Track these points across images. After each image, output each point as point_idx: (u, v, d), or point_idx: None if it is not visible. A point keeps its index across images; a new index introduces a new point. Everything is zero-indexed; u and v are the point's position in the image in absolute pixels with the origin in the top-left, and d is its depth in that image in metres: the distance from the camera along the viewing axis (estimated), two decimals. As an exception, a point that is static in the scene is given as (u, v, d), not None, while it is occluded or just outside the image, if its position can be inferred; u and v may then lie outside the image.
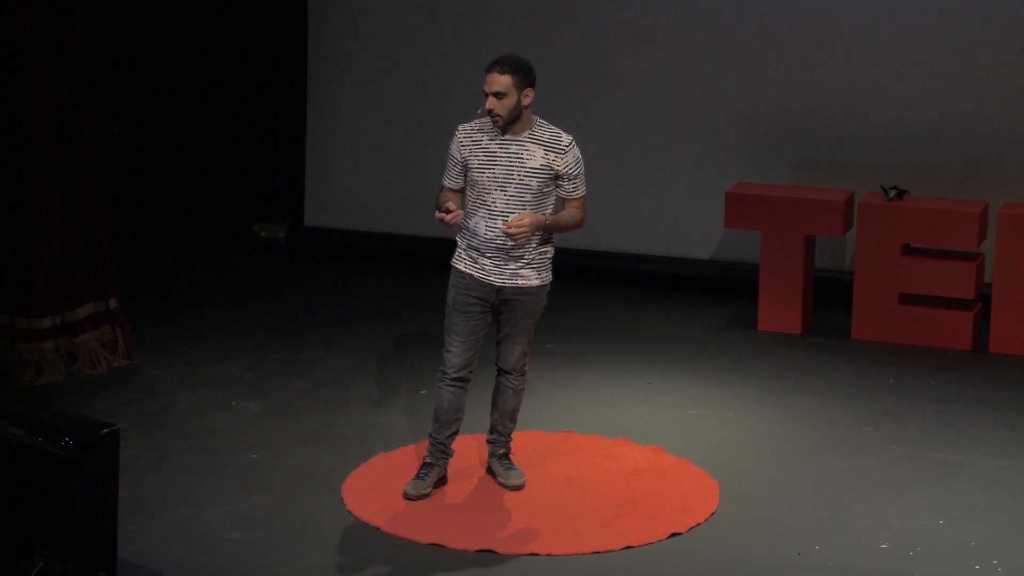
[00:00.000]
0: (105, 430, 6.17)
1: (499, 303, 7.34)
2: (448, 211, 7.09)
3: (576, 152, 7.31)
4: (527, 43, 11.06)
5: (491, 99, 7.14)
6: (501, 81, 7.13)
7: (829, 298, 10.35)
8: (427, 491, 7.47)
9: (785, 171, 10.73)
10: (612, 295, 10.76)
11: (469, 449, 7.96)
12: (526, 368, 7.58)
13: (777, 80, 10.70)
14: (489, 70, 7.17)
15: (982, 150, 10.36)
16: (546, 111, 11.20)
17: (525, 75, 7.18)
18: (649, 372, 9.26)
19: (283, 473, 7.77)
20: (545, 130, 7.28)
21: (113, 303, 9.22)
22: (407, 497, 7.44)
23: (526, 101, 7.20)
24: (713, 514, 7.35)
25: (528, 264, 7.29)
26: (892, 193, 9.86)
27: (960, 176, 10.40)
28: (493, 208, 7.23)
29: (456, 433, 7.55)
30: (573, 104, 11.02)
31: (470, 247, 7.30)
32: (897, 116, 10.48)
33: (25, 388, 8.78)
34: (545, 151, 7.23)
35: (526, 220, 7.11)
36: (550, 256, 7.39)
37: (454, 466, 7.72)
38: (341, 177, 11.75)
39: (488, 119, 7.26)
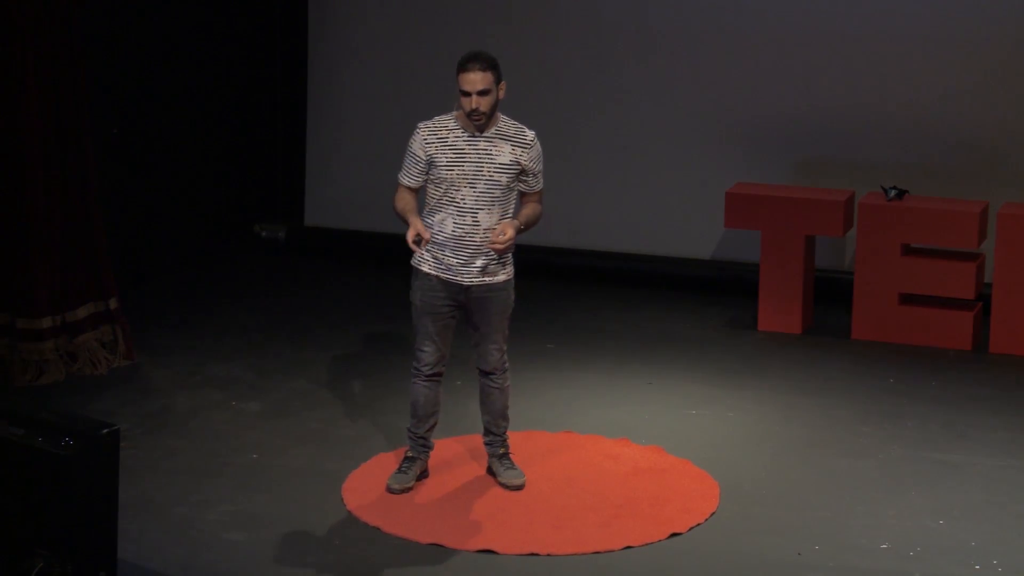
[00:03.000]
0: (105, 430, 6.16)
1: (468, 302, 7.35)
2: (420, 239, 7.08)
3: (539, 147, 7.34)
4: (528, 44, 11.08)
5: (475, 98, 7.12)
6: (484, 79, 7.12)
7: (829, 298, 10.34)
8: (410, 484, 7.51)
9: (785, 171, 10.73)
10: (612, 295, 10.76)
11: (469, 449, 7.96)
12: (507, 364, 7.57)
13: (777, 80, 10.70)
14: (468, 70, 7.12)
15: (982, 150, 10.36)
16: (547, 111, 11.23)
17: (499, 69, 7.19)
18: (649, 372, 9.25)
19: (283, 473, 7.77)
20: (509, 125, 7.30)
21: (113, 303, 9.22)
22: (390, 491, 7.47)
23: (501, 95, 7.21)
24: (713, 514, 7.35)
25: (493, 261, 7.31)
26: (892, 193, 9.86)
27: (960, 176, 10.39)
28: (462, 205, 7.23)
29: (435, 426, 7.59)
30: (573, 105, 11.03)
31: (434, 244, 7.28)
32: (897, 116, 10.48)
33: (25, 388, 8.77)
34: (512, 146, 7.25)
35: (510, 232, 7.14)
36: (512, 251, 7.41)
37: (454, 466, 7.73)
38: (341, 177, 11.75)
39: (451, 116, 7.26)
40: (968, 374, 9.29)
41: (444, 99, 11.29)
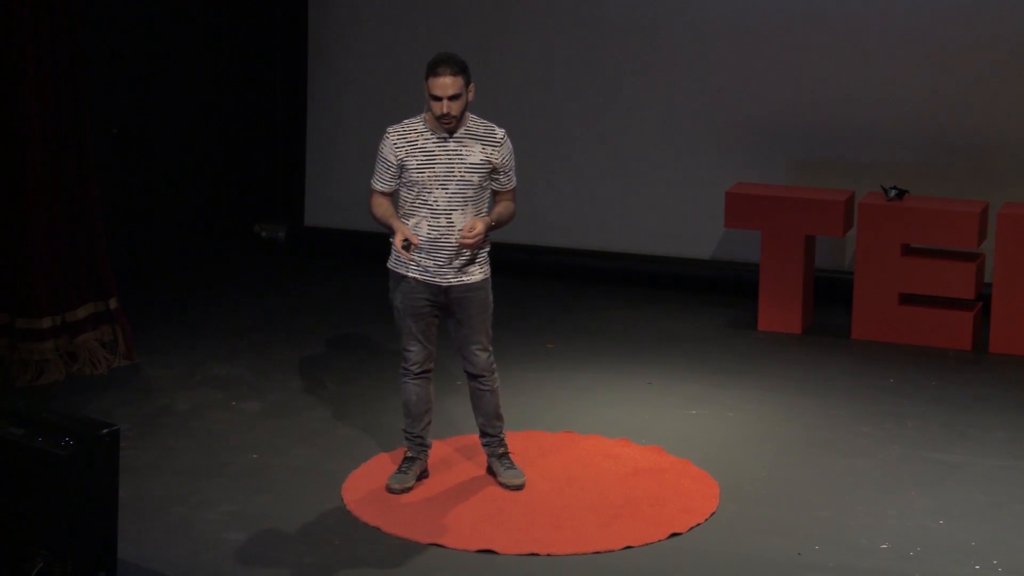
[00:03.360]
0: (105, 430, 6.18)
1: (448, 303, 7.35)
2: (409, 244, 7.11)
3: (510, 144, 7.34)
4: (527, 45, 11.08)
5: (446, 103, 7.11)
6: (455, 83, 7.10)
7: (829, 298, 10.34)
8: (410, 484, 7.51)
9: (785, 171, 10.73)
10: (612, 295, 10.76)
11: (469, 449, 7.96)
12: (494, 365, 7.56)
13: (777, 80, 10.70)
14: (438, 74, 7.09)
15: (982, 150, 10.36)
16: (547, 112, 11.22)
17: (468, 72, 7.18)
18: (649, 372, 9.25)
19: (283, 473, 7.77)
20: (479, 124, 7.29)
21: (113, 303, 9.22)
22: (390, 491, 7.47)
23: (471, 97, 7.21)
24: (713, 514, 7.35)
25: (470, 260, 7.32)
26: (892, 193, 9.86)
27: (960, 176, 10.39)
28: (435, 207, 7.24)
29: (430, 423, 7.59)
30: (573, 105, 11.02)
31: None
32: (897, 116, 10.48)
33: (25, 388, 8.78)
34: (482, 146, 7.25)
35: (479, 227, 7.15)
36: (488, 250, 7.42)
37: (454, 466, 7.73)
38: (341, 177, 11.74)
39: (420, 119, 7.26)
40: (968, 374, 9.29)
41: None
